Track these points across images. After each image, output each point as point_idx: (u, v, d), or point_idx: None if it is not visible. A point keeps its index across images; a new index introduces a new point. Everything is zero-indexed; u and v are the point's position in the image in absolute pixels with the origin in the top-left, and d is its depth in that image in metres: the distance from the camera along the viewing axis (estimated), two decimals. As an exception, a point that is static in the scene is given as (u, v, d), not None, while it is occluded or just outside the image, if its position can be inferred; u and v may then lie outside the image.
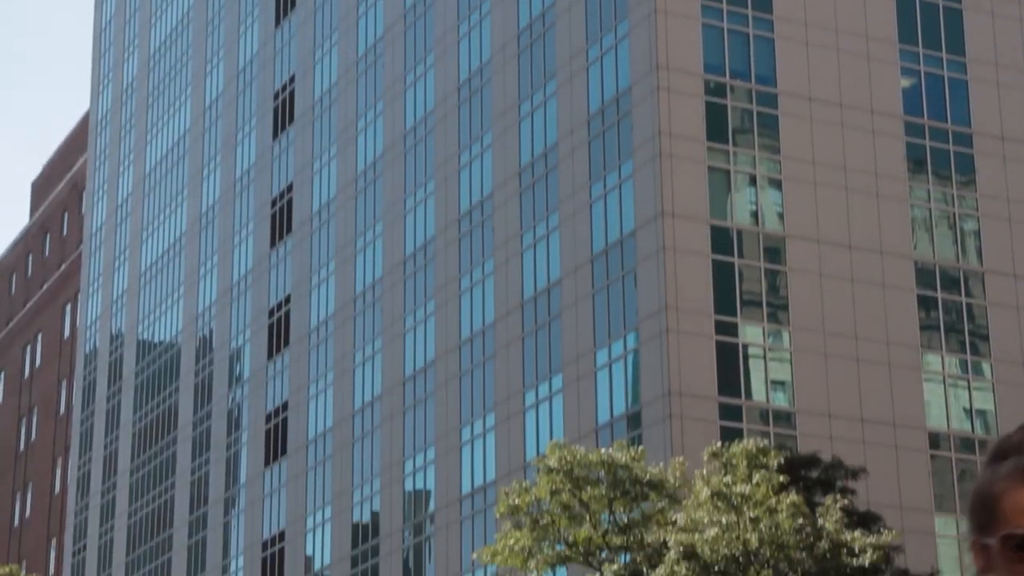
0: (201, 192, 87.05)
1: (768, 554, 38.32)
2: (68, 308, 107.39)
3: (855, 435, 52.07)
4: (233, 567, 77.09)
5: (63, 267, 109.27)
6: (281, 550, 72.47)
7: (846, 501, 40.52)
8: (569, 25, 58.99)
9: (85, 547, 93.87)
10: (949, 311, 55.89)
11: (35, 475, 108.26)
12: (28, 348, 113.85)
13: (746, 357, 52.75)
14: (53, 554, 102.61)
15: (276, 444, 74.81)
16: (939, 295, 55.80)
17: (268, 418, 76.03)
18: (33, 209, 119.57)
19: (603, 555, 40.90)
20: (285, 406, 74.68)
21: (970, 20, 59.07)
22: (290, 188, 77.94)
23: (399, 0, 70.75)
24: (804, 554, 38.21)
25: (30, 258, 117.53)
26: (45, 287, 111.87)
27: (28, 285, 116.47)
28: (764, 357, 53.06)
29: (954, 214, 57.00)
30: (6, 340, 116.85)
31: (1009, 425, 54.08)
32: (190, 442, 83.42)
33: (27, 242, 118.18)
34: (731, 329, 52.50)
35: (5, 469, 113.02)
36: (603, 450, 41.67)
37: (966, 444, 54.34)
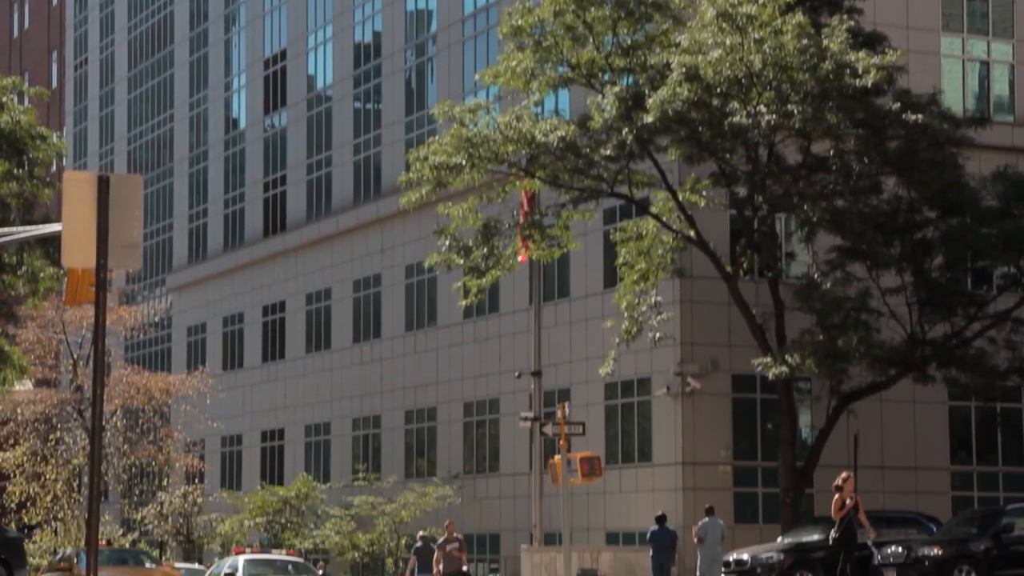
0: None
1: (771, 76, 38.28)
2: None
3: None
4: (235, 84, 77.18)
5: None
6: (283, 68, 72.33)
7: (852, 22, 40.13)
8: None
9: (86, 61, 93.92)
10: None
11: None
12: None
13: None
14: (55, 68, 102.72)
15: (274, -42, 73.64)
16: None
17: (265, -68, 74.56)
18: None
19: (605, 77, 40.88)
20: (283, -81, 73.10)
21: None
22: None
23: None
24: (807, 75, 38.13)
25: None
26: None
27: None
28: None
29: None
30: None
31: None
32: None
33: None
34: None
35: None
36: (607, -30, 40.91)
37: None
